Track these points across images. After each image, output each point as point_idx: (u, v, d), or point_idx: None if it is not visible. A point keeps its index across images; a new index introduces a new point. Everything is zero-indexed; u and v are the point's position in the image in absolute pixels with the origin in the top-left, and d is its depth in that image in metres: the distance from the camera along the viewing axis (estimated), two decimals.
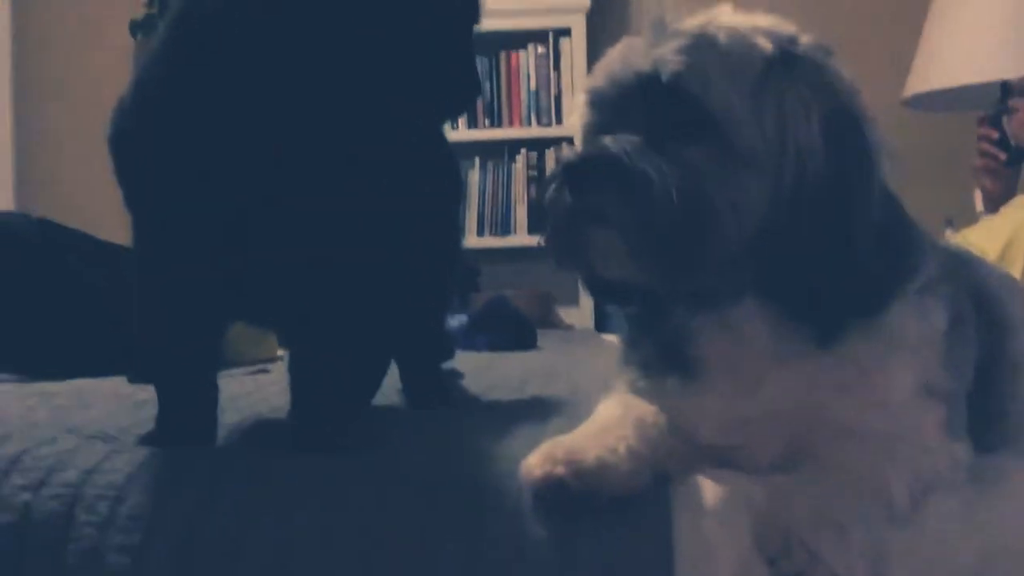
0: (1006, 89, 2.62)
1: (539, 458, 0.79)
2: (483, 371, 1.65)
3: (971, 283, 0.91)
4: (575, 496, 0.77)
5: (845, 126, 0.78)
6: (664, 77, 0.77)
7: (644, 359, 0.87)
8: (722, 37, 0.78)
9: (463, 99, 0.93)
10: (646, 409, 0.85)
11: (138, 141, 0.90)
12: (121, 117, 0.91)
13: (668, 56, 0.77)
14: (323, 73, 0.83)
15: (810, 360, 0.79)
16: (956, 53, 2.80)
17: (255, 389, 1.34)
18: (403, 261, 1.12)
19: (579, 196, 0.76)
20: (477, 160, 3.64)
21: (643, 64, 0.79)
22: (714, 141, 0.76)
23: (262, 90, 0.83)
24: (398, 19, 0.84)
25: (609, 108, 0.81)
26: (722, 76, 0.76)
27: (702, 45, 0.78)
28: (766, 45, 0.79)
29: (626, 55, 0.81)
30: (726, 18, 0.80)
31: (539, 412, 1.11)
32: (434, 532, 0.78)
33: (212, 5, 0.84)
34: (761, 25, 0.81)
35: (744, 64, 0.78)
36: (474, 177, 3.64)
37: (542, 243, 0.82)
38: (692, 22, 0.80)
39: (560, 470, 0.78)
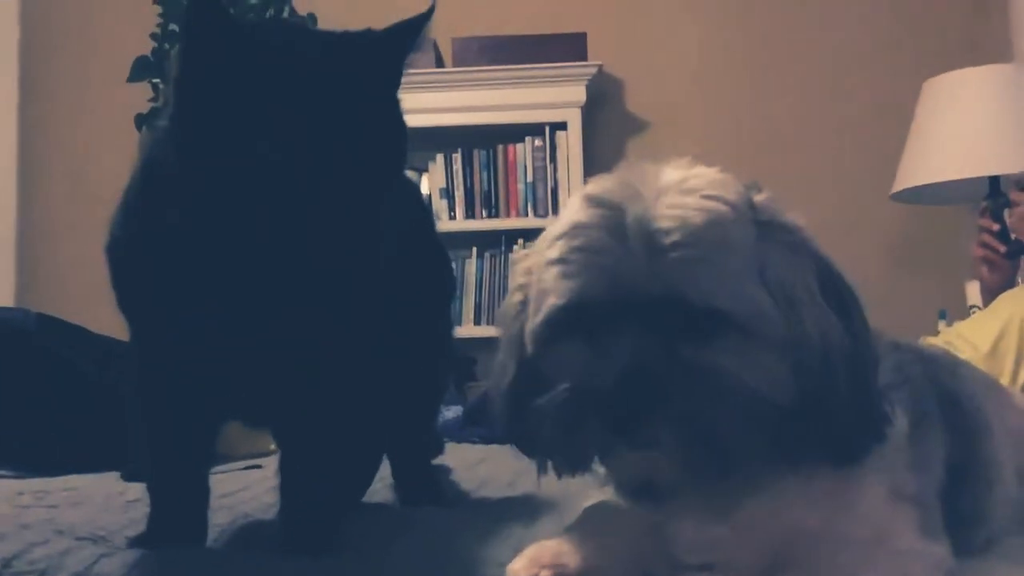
0: (996, 184, 2.66)
1: (525, 562, 0.79)
2: (475, 466, 1.65)
3: (940, 385, 0.92)
4: None
5: (835, 287, 0.77)
6: (678, 293, 0.71)
7: (617, 483, 0.85)
8: (714, 222, 0.73)
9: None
10: (630, 511, 0.85)
11: (126, 249, 0.93)
12: (113, 226, 0.94)
13: (672, 269, 0.72)
14: (303, 178, 0.83)
15: (779, 480, 0.78)
16: (944, 149, 2.85)
17: (247, 486, 1.34)
18: (392, 360, 1.13)
19: (626, 431, 0.71)
20: (474, 249, 3.66)
21: (640, 276, 0.72)
22: (731, 333, 0.72)
23: (242, 199, 0.84)
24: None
25: (601, 310, 0.74)
26: (727, 271, 0.73)
27: (700, 241, 0.72)
28: (746, 213, 0.75)
29: (613, 257, 0.73)
30: (697, 183, 0.75)
31: (528, 511, 1.11)
32: None
33: (188, 123, 0.86)
34: (725, 183, 0.76)
35: (740, 245, 0.74)
36: (471, 267, 3.66)
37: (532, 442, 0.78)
38: (673, 204, 0.73)
39: (546, 574, 0.78)
